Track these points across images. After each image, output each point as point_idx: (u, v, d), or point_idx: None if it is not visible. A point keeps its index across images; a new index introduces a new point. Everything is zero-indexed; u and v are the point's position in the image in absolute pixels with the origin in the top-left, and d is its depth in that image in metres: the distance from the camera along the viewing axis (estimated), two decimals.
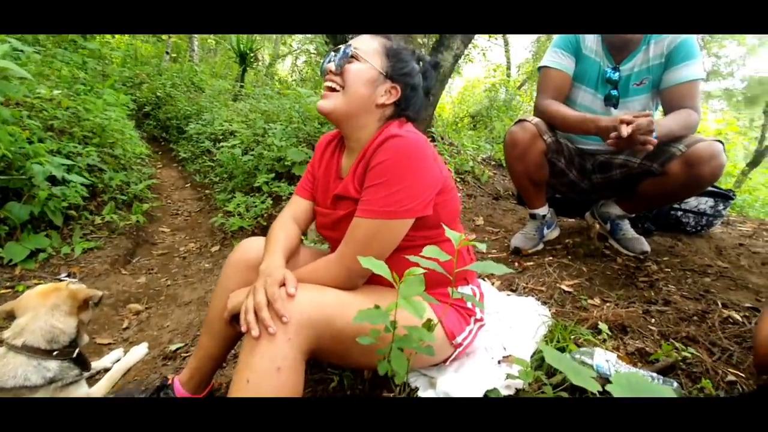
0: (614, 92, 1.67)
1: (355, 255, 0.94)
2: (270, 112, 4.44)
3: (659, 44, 1.58)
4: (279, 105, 4.62)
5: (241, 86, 7.70)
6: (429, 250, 0.72)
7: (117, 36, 8.12)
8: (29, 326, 1.26)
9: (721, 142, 1.48)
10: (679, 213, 2.02)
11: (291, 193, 2.95)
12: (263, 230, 2.84)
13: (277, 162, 3.28)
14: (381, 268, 0.65)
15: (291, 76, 12.47)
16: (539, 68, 1.77)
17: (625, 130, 1.35)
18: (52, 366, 1.26)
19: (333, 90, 1.02)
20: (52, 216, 2.33)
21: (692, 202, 2.00)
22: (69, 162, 2.48)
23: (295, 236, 1.15)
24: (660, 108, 1.70)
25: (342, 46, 1.02)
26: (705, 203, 1.98)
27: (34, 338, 1.25)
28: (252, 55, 8.44)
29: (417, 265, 0.70)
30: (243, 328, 0.85)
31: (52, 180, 2.37)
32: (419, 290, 0.64)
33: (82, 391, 1.34)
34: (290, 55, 14.19)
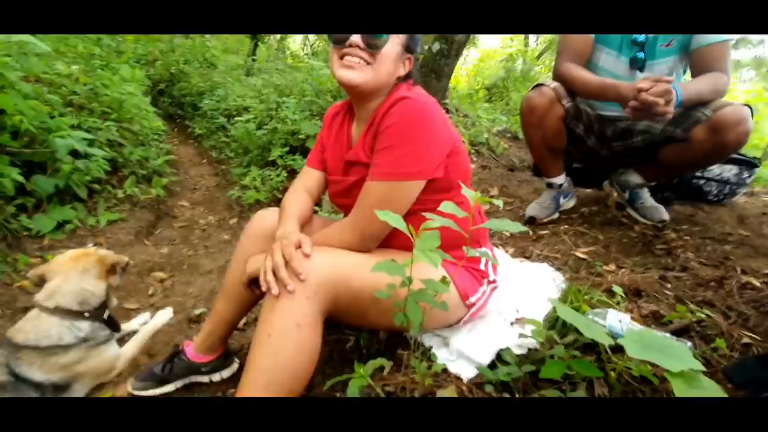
0: (640, 54, 1.60)
1: (367, 218, 0.96)
2: (283, 87, 4.41)
3: None
4: (291, 79, 4.59)
5: (254, 61, 7.64)
6: (446, 206, 0.72)
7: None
8: (61, 288, 1.32)
9: (749, 106, 1.42)
10: (702, 181, 1.97)
11: None
12: (279, 203, 2.87)
13: (291, 136, 3.28)
14: (398, 222, 0.66)
15: (303, 50, 12.29)
16: None
17: (645, 97, 1.31)
18: (84, 326, 1.33)
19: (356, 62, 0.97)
20: (76, 189, 2.40)
21: (715, 169, 1.94)
22: (90, 136, 2.54)
23: (307, 205, 1.17)
24: (688, 71, 1.63)
25: None
26: (729, 171, 1.92)
27: (66, 300, 1.32)
28: None
29: (432, 221, 0.71)
30: (263, 288, 0.88)
31: (75, 154, 2.43)
32: (435, 244, 0.65)
33: (112, 350, 1.41)
34: None
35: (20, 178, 2.10)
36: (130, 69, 3.75)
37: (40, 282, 1.37)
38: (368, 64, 0.97)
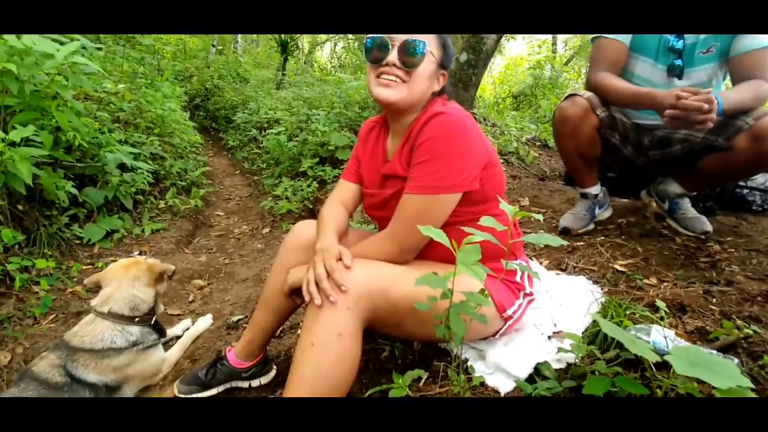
0: (678, 62, 1.57)
1: (405, 231, 0.98)
2: (312, 99, 4.54)
3: None
4: (320, 91, 4.72)
5: (284, 75, 7.88)
6: (485, 220, 0.74)
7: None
8: (114, 295, 1.41)
9: None
10: (745, 191, 1.89)
11: (335, 177, 3.04)
12: (310, 212, 2.95)
13: (321, 147, 3.37)
14: (440, 236, 0.68)
15: (330, 63, 12.57)
16: (592, 40, 1.70)
17: (686, 102, 1.28)
18: (135, 331, 1.41)
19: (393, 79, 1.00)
20: (123, 200, 2.55)
21: (759, 179, 1.86)
22: (136, 150, 2.69)
23: (343, 218, 1.20)
24: (728, 78, 1.58)
25: (407, 40, 0.98)
26: None
27: (119, 306, 1.41)
28: (293, 43, 8.60)
29: (472, 235, 0.73)
30: (306, 299, 0.91)
31: (122, 167, 2.58)
32: (476, 258, 0.67)
33: (159, 354, 1.49)
34: (329, 41, 14.27)
35: (74, 190, 2.25)
36: (171, 86, 3.96)
37: (96, 288, 1.47)
38: (404, 82, 1.00)
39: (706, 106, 1.28)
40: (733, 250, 1.55)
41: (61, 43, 2.24)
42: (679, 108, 1.31)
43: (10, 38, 1.89)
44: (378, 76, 1.01)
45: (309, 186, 3.10)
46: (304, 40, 13.69)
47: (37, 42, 2.05)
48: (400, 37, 0.99)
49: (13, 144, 1.82)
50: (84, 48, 2.99)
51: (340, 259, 0.93)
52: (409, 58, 0.99)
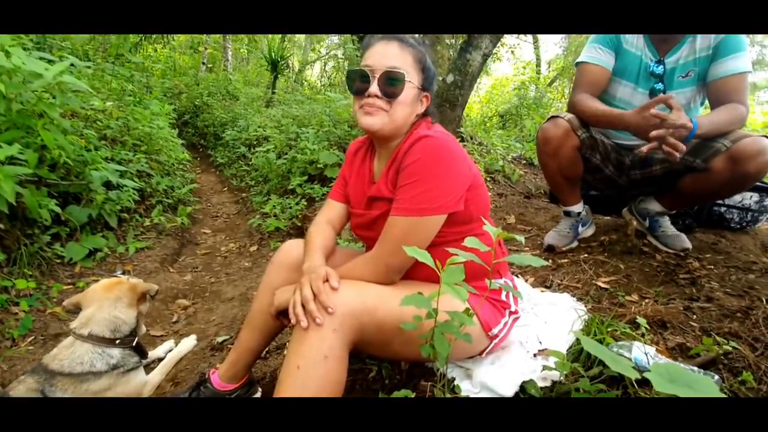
0: (659, 85, 1.64)
1: (391, 252, 0.99)
2: (301, 117, 4.58)
3: (706, 36, 1.55)
4: (310, 110, 4.77)
5: (273, 93, 7.95)
6: (470, 241, 0.76)
7: (158, 49, 8.57)
8: (95, 317, 1.38)
9: (767, 137, 1.43)
10: (723, 209, 1.95)
11: (324, 195, 3.05)
12: (298, 230, 2.94)
13: (310, 165, 3.39)
14: (424, 257, 0.70)
15: (320, 81, 12.73)
16: (576, 64, 1.76)
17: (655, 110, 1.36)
18: (115, 353, 1.38)
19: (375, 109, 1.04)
20: (108, 218, 2.52)
21: (736, 197, 1.92)
22: (122, 168, 2.67)
23: (331, 238, 1.21)
24: (706, 102, 1.66)
25: (386, 71, 1.01)
26: (750, 198, 1.91)
27: (100, 328, 1.37)
28: (283, 62, 8.71)
29: (456, 256, 0.74)
30: (292, 321, 0.91)
31: (107, 185, 2.56)
32: (460, 278, 0.68)
33: (140, 377, 1.46)
34: (319, 60, 14.48)
35: (57, 209, 2.21)
36: (159, 104, 3.96)
37: (75, 310, 1.44)
38: (385, 111, 1.04)
39: (670, 141, 1.35)
40: (712, 266, 1.59)
41: (50, 62, 2.24)
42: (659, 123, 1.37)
43: None
44: (361, 107, 1.05)
45: (297, 204, 3.10)
46: (295, 59, 13.89)
47: (26, 61, 2.05)
48: (380, 68, 1.02)
49: None
50: (72, 66, 3.00)
51: (327, 281, 0.93)
52: (389, 88, 1.02)
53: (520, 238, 0.76)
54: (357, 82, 1.05)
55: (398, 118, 1.05)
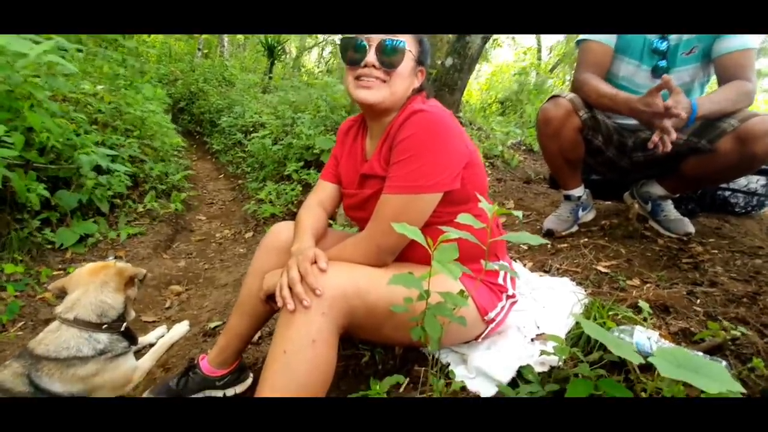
0: (662, 63, 1.58)
1: (383, 232, 0.95)
2: (298, 103, 4.50)
3: None
4: (307, 95, 4.68)
5: (270, 79, 7.83)
6: (463, 218, 0.71)
7: (152, 35, 8.41)
8: (81, 301, 1.34)
9: None
10: (727, 193, 1.90)
11: None
12: (293, 216, 2.88)
13: (306, 150, 3.33)
14: (415, 234, 0.65)
15: (317, 67, 12.57)
16: (577, 42, 1.70)
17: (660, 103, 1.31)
18: (102, 338, 1.34)
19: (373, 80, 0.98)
20: (99, 203, 2.47)
21: (741, 180, 1.87)
22: (113, 153, 2.61)
23: (322, 219, 1.17)
24: (713, 79, 1.60)
25: (384, 39, 0.96)
26: (756, 182, 1.86)
27: (86, 312, 1.33)
28: (279, 48, 8.56)
29: (449, 234, 0.70)
30: (279, 304, 0.87)
31: (98, 170, 2.50)
32: (453, 256, 0.63)
33: (129, 363, 1.42)
34: (316, 46, 14.28)
35: (46, 193, 2.17)
36: (152, 88, 3.88)
37: (61, 294, 1.40)
38: (384, 82, 0.98)
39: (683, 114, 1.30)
40: (716, 251, 1.54)
41: (36, 43, 2.17)
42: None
43: None
44: (357, 78, 0.99)
45: (293, 190, 3.05)
46: (292, 45, 13.68)
47: (10, 41, 1.98)
48: (377, 37, 0.96)
49: None
50: (64, 50, 2.92)
51: (315, 262, 0.89)
52: (388, 57, 0.97)
53: (518, 213, 0.71)
54: (351, 51, 0.98)
55: (397, 91, 0.99)
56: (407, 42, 0.98)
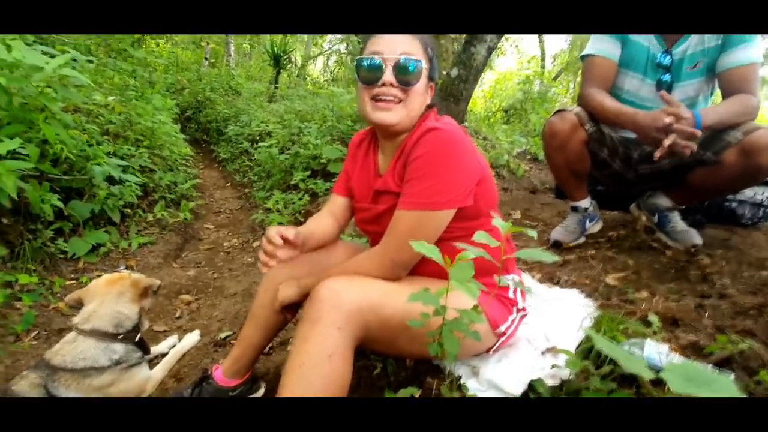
0: (666, 77, 1.60)
1: (397, 247, 0.97)
2: (304, 112, 4.55)
3: None
4: (313, 105, 4.74)
5: (276, 88, 7.91)
6: (479, 236, 0.73)
7: (160, 44, 8.54)
8: (97, 312, 1.37)
9: None
10: (734, 204, 1.91)
11: (327, 190, 3.03)
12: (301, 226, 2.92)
13: (313, 160, 3.36)
14: (432, 252, 0.67)
15: (323, 76, 12.68)
16: (582, 57, 1.72)
17: (669, 119, 1.31)
18: (118, 349, 1.37)
19: (390, 100, 0.99)
20: (110, 213, 2.51)
21: (748, 192, 1.88)
22: (124, 163, 2.66)
23: (328, 226, 1.22)
24: (717, 92, 1.62)
25: (401, 58, 0.97)
26: (762, 193, 1.87)
27: (102, 323, 1.36)
28: (285, 57, 8.66)
29: (464, 251, 0.72)
30: (261, 270, 1.03)
31: (110, 180, 2.55)
32: (469, 274, 0.65)
33: (143, 372, 1.45)
34: (321, 55, 14.42)
35: (59, 204, 2.20)
36: (162, 98, 3.94)
37: (78, 305, 1.43)
38: (400, 101, 0.99)
39: (681, 142, 1.32)
40: (723, 263, 1.55)
41: (52, 56, 2.22)
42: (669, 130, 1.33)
43: None
44: (374, 98, 1.00)
45: (300, 199, 3.08)
46: (297, 54, 13.83)
47: (26, 55, 2.03)
48: (393, 56, 0.97)
49: None
50: (75, 60, 2.98)
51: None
52: (405, 76, 0.98)
53: (533, 232, 0.73)
54: (367, 70, 0.99)
55: (414, 109, 1.01)
56: (423, 61, 1.00)
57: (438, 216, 0.95)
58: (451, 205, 0.95)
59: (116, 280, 1.43)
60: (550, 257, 0.76)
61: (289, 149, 3.72)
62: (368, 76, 0.99)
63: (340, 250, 1.25)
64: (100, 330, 1.35)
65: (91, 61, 3.64)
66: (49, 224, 2.29)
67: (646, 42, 1.62)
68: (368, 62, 0.99)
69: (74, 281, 2.16)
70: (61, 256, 2.28)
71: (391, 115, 0.99)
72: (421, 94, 1.02)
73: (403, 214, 0.96)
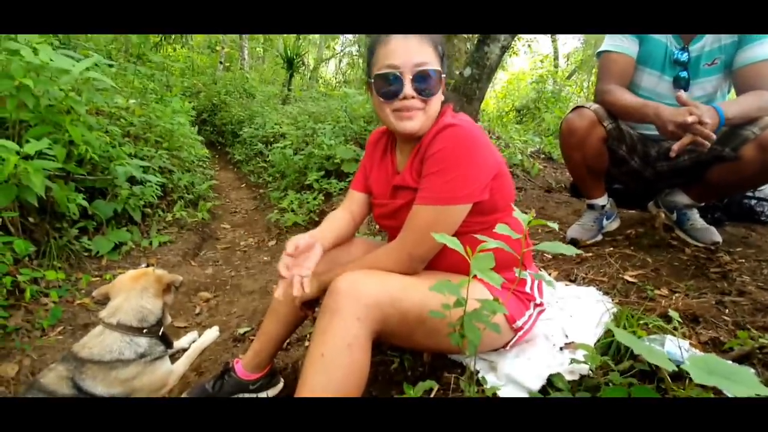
0: (684, 74, 1.58)
1: (415, 240, 0.99)
2: (318, 114, 4.60)
3: None
4: (326, 106, 4.78)
5: (289, 90, 8.00)
6: (501, 228, 0.74)
7: (177, 49, 8.71)
8: (123, 306, 1.41)
9: None
10: (753, 201, 1.88)
11: (341, 189, 3.05)
12: (316, 225, 2.95)
13: (327, 160, 3.40)
14: (454, 243, 0.69)
15: (335, 78, 12.77)
16: (598, 54, 1.72)
17: (691, 119, 1.29)
18: (143, 342, 1.41)
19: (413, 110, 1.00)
20: (132, 212, 2.57)
21: (767, 189, 1.85)
22: (145, 164, 2.73)
23: (344, 222, 1.23)
24: (732, 90, 1.60)
25: (418, 70, 0.97)
26: None
27: (127, 317, 1.40)
28: (298, 59, 8.75)
29: (482, 242, 0.73)
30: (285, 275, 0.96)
31: (131, 180, 2.62)
32: (490, 265, 0.67)
33: (166, 366, 1.48)
34: (334, 58, 14.53)
35: (84, 203, 2.27)
36: (180, 101, 4.03)
37: (104, 300, 1.47)
38: (421, 109, 1.00)
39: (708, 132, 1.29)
40: (743, 260, 1.53)
41: (76, 60, 2.29)
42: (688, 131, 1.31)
43: (27, 54, 1.94)
44: (395, 111, 1.01)
45: (315, 199, 3.12)
46: (310, 57, 13.95)
47: (53, 58, 2.11)
48: (409, 67, 0.97)
49: (27, 157, 1.85)
50: (96, 65, 3.08)
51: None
52: (424, 86, 0.98)
53: (554, 224, 0.74)
54: (385, 86, 0.99)
55: (434, 114, 1.03)
56: (436, 64, 1.00)
57: (455, 210, 0.97)
58: (468, 199, 0.97)
59: (140, 275, 1.47)
60: (570, 250, 0.76)
61: (303, 150, 3.76)
62: (387, 91, 0.99)
63: (357, 246, 1.27)
64: (125, 324, 1.39)
65: (111, 65, 3.75)
66: (74, 223, 2.37)
67: (664, 39, 1.60)
68: (386, 78, 0.98)
69: (98, 278, 2.23)
70: (86, 253, 2.35)
71: (415, 124, 1.00)
72: (439, 97, 1.03)
73: (420, 209, 0.98)
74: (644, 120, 1.52)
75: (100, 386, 1.31)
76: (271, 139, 4.88)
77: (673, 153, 1.35)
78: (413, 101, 0.98)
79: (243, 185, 4.68)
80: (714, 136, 1.31)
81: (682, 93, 1.36)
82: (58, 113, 2.25)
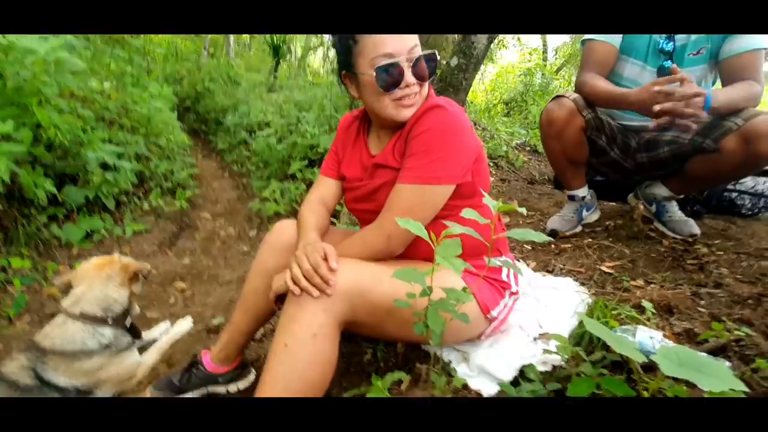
0: (668, 63, 1.57)
1: (395, 220, 0.95)
2: (303, 102, 4.51)
3: None
4: (311, 95, 4.69)
5: (275, 78, 7.85)
6: (467, 212, 0.71)
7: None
8: (86, 295, 1.35)
9: None
10: (734, 194, 1.89)
11: None
12: (297, 215, 2.91)
13: (310, 149, 3.34)
14: (419, 230, 0.65)
15: (323, 67, 12.60)
16: (582, 42, 1.69)
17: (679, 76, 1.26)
18: (107, 333, 1.35)
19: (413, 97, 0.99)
20: (105, 200, 2.49)
21: (748, 182, 1.86)
22: (119, 150, 2.63)
23: (324, 218, 1.18)
24: (718, 82, 1.59)
25: (417, 57, 0.96)
26: (763, 183, 1.84)
27: (91, 306, 1.34)
28: (285, 47, 8.58)
29: (452, 230, 0.70)
30: (295, 292, 0.86)
31: (105, 167, 2.52)
32: (456, 252, 0.63)
33: (133, 357, 1.43)
34: (321, 46, 14.31)
35: (53, 189, 2.18)
36: (158, 86, 3.90)
37: (67, 289, 1.41)
38: (419, 93, 1.00)
39: (697, 100, 1.26)
40: (721, 252, 1.53)
41: (45, 40, 2.19)
42: (667, 97, 1.29)
43: None
44: (398, 99, 0.97)
45: (297, 188, 3.06)
46: (297, 44, 13.71)
47: (20, 38, 2.01)
48: (405, 54, 0.94)
49: None
50: (72, 46, 2.95)
51: (326, 259, 0.88)
52: (422, 71, 0.97)
53: (522, 209, 0.71)
54: (387, 75, 0.95)
55: (425, 95, 1.02)
56: (418, 43, 0.98)
57: (438, 190, 0.95)
58: (452, 180, 0.95)
59: (105, 263, 1.41)
60: (541, 237, 0.74)
61: (286, 139, 3.68)
62: (390, 81, 0.95)
63: (335, 236, 1.23)
64: (88, 313, 1.33)
65: (88, 48, 3.61)
66: (43, 210, 2.28)
67: None
68: (386, 68, 0.94)
69: (68, 267, 2.15)
70: (55, 241, 2.27)
71: (413, 110, 0.99)
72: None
73: (403, 188, 0.95)
74: (616, 107, 1.50)
75: (62, 377, 1.26)
76: (256, 128, 4.78)
77: (653, 125, 1.33)
78: (413, 88, 0.97)
79: (225, 174, 4.58)
80: (701, 114, 1.28)
81: (675, 66, 1.34)
82: (25, 95, 2.15)
